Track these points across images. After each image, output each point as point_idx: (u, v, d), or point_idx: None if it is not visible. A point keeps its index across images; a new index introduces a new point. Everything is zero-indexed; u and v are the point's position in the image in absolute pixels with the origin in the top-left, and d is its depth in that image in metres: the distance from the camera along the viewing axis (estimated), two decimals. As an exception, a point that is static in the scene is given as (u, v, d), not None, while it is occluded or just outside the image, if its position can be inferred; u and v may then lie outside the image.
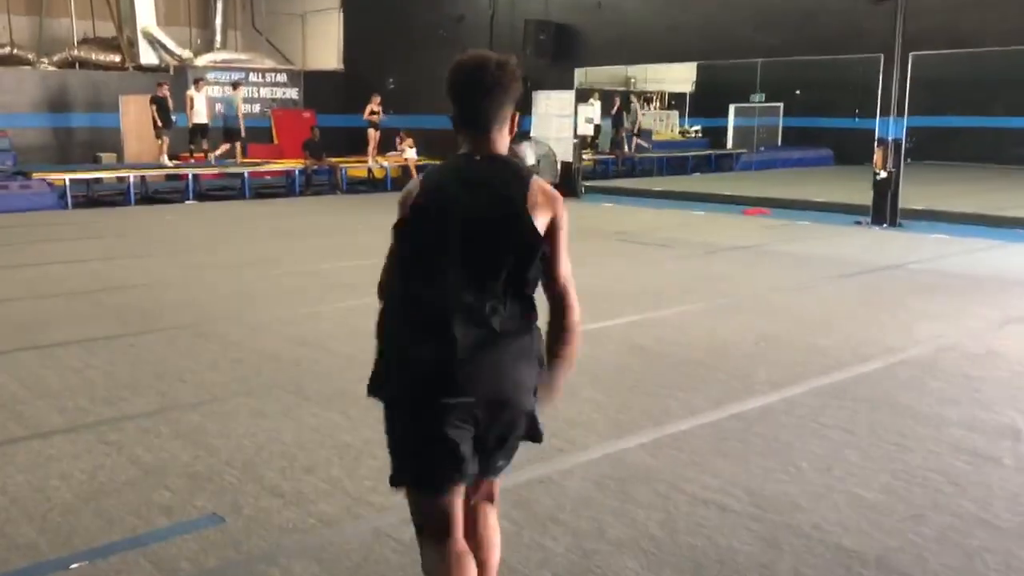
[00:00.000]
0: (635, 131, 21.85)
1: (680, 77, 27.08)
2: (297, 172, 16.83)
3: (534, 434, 2.37)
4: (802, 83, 25.49)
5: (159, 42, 19.55)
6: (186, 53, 19.88)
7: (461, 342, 2.18)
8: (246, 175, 16.15)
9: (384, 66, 20.52)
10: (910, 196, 13.11)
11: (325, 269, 9.01)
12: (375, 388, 2.35)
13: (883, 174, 13.09)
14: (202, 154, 17.60)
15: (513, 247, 2.24)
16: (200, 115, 17.25)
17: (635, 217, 13.90)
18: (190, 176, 15.54)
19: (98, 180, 15.87)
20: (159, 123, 16.64)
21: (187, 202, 15.32)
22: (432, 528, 2.30)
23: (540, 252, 2.28)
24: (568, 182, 17.33)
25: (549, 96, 17.41)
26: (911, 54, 12.69)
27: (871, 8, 13.05)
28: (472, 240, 2.23)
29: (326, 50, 22.81)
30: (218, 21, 23.34)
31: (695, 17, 15.10)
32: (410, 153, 18.07)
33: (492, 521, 2.49)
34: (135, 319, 6.91)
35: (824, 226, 12.74)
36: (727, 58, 15.47)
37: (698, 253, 10.27)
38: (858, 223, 13.16)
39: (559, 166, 17.31)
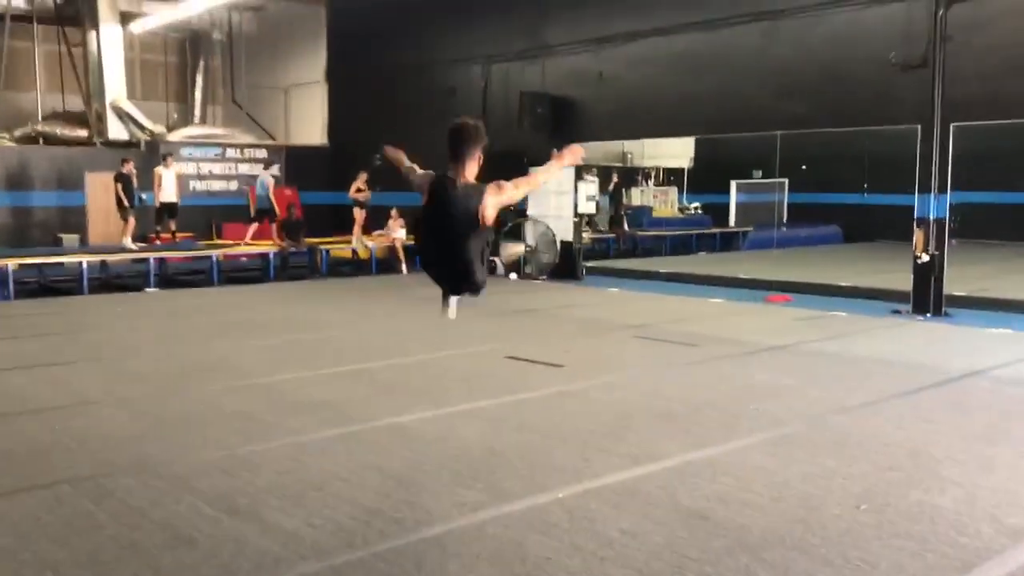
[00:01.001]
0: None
1: (677, 152, 25.81)
2: (272, 255, 15.16)
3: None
4: (806, 158, 24.12)
5: (129, 116, 18.09)
6: (158, 128, 18.42)
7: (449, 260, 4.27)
8: (215, 259, 14.47)
9: (371, 141, 19.08)
10: (950, 279, 11.51)
11: (283, 381, 7.26)
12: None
13: (925, 257, 11.51)
14: (169, 235, 16.01)
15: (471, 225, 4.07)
16: (168, 193, 15.73)
17: (647, 306, 12.24)
18: (151, 261, 13.84)
19: (59, 264, 14.15)
20: (124, 202, 15.09)
21: (148, 290, 13.62)
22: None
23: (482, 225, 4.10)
24: (568, 263, 15.76)
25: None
26: (952, 125, 11.24)
27: (904, 75, 11.65)
28: (455, 221, 4.08)
29: (310, 125, 21.45)
30: (197, 95, 22.06)
31: (707, 87, 13.70)
32: (399, 233, 16.49)
33: None
34: (17, 466, 5.13)
35: (861, 317, 11.08)
36: (744, 130, 14.03)
37: (731, 354, 8.56)
38: (896, 312, 11.53)
39: (559, 245, 15.74)
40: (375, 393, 6.91)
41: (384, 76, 19.09)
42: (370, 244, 16.40)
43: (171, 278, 15.20)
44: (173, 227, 15.94)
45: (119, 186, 15.04)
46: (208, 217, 19.01)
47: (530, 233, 16.08)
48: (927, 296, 11.47)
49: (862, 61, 12.06)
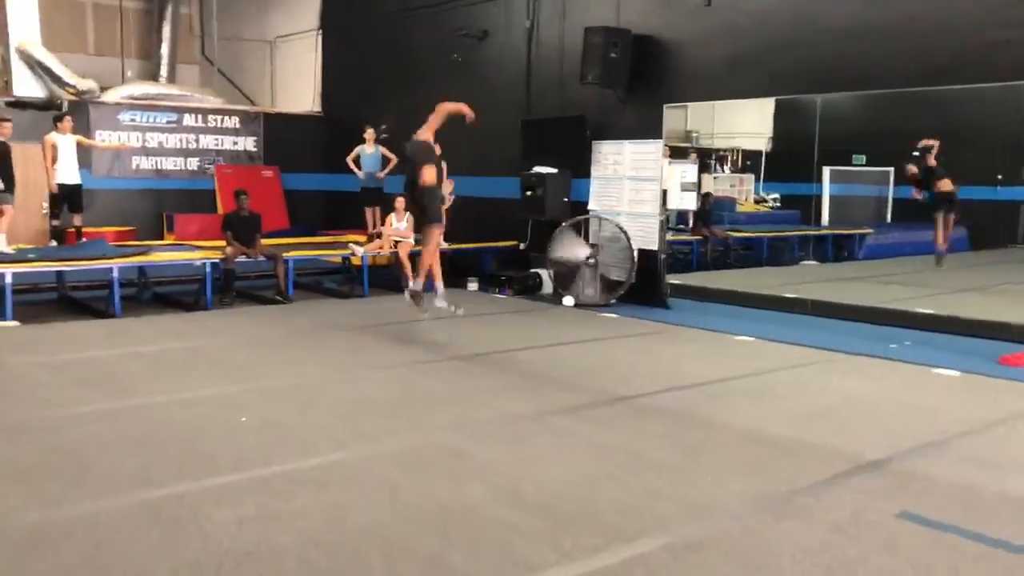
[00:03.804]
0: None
1: (753, 130, 20.06)
2: (208, 268, 9.53)
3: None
4: (917, 136, 18.04)
5: (43, 66, 12.57)
6: (86, 83, 12.86)
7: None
8: (115, 272, 8.88)
9: (376, 106, 13.51)
10: None
11: None
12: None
13: None
14: (72, 231, 10.55)
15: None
16: (68, 171, 10.22)
17: (822, 378, 6.59)
18: (7, 276, 8.29)
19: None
20: (-1, 183, 9.62)
21: (3, 323, 8.16)
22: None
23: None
24: (649, 282, 10.17)
25: (620, 147, 10.30)
26: None
27: None
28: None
29: (300, 86, 15.87)
30: (164, 50, 16.54)
31: (887, 16, 8.01)
32: (400, 227, 10.88)
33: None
34: None
35: None
36: (957, 82, 8.19)
37: None
38: None
39: (635, 254, 10.13)
40: None
41: (393, 22, 13.51)
42: (360, 251, 10.74)
43: (69, 297, 9.80)
44: (78, 221, 10.46)
45: (-9, 160, 9.58)
46: (157, 206, 13.58)
47: (592, 237, 10.50)
48: None
49: None
